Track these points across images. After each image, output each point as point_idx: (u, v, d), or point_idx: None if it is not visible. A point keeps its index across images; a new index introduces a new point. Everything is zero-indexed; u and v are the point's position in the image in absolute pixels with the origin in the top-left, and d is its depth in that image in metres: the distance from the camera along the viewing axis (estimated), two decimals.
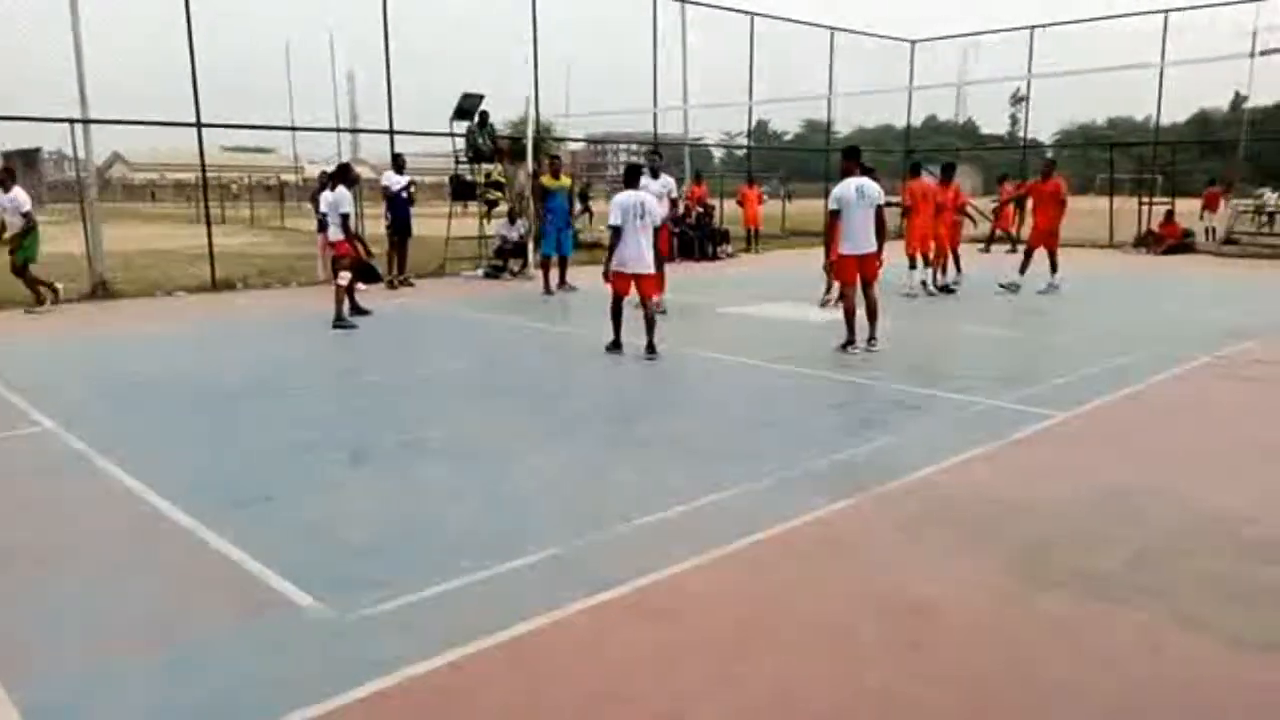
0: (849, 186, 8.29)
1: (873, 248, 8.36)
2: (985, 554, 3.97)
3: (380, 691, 2.89)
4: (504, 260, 15.63)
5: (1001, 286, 12.73)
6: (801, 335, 9.86)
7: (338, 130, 32.85)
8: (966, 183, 19.76)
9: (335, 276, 10.31)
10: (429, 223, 16.76)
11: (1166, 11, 20.43)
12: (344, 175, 10.53)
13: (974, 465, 5.23)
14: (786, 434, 5.93)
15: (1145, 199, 21.44)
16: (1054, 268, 12.74)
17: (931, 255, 12.73)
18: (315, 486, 4.95)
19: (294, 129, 21.95)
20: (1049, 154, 31.49)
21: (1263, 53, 9.81)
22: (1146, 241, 20.15)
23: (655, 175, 11.27)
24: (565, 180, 13.65)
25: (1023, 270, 12.72)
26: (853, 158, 8.54)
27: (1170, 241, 19.62)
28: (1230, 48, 18.25)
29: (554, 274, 13.37)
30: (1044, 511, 4.50)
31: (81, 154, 12.93)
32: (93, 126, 12.73)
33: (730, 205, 22.51)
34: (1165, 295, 13.13)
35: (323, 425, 6.22)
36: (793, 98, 23.69)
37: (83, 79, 12.35)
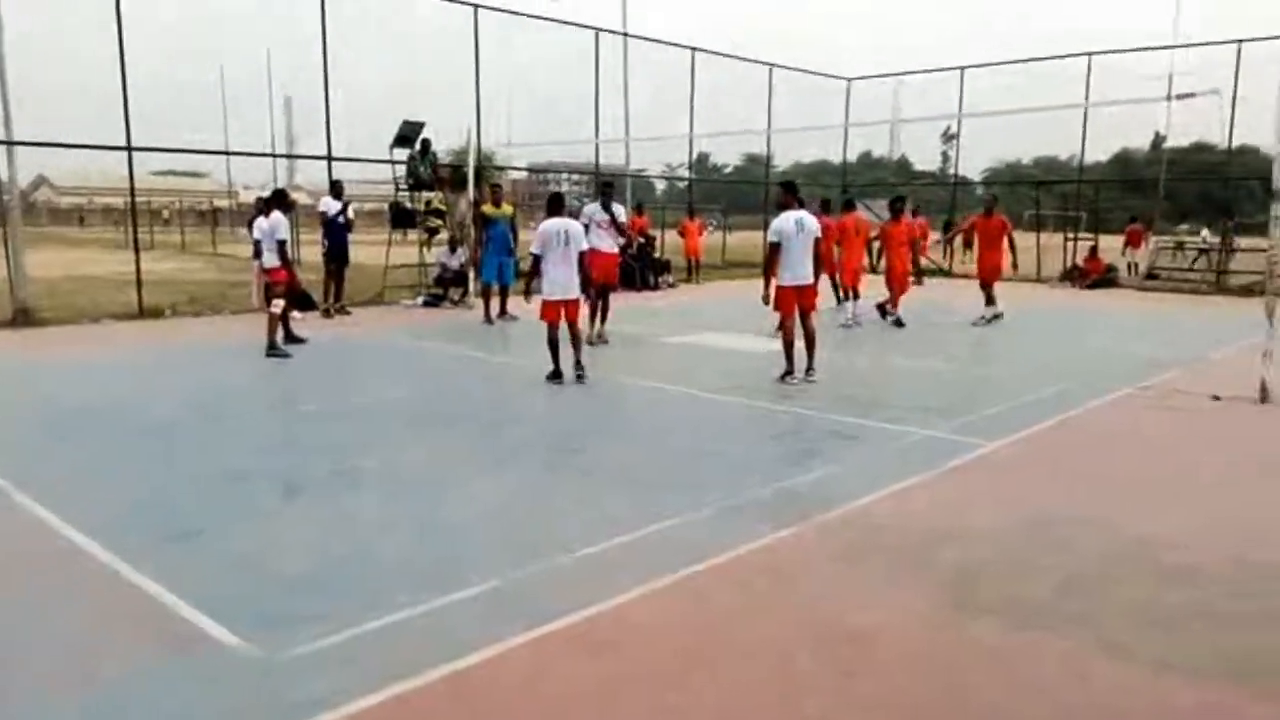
0: (788, 219, 8.42)
1: (810, 279, 8.52)
2: (920, 582, 4.04)
3: None
4: (444, 289, 15.50)
5: (984, 320, 13.13)
6: (742, 365, 9.95)
7: (273, 155, 32.34)
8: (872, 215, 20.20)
9: (269, 304, 10.11)
10: (367, 250, 16.54)
11: (1090, 54, 21.34)
12: (280, 201, 10.40)
13: (909, 494, 5.33)
14: (727, 463, 5.96)
15: (1070, 235, 22.24)
16: (989, 301, 13.31)
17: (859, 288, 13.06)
18: (246, 518, 4.82)
19: (228, 153, 21.50)
20: (980, 190, 32.47)
21: (1179, 96, 10.29)
22: (1072, 276, 20.85)
23: (607, 207, 11.27)
24: (507, 208, 13.62)
25: (990, 302, 13.25)
26: (791, 191, 8.72)
27: (1094, 276, 20.34)
28: (1149, 91, 19.05)
29: (495, 303, 13.32)
30: (976, 539, 4.60)
31: (4, 176, 12.52)
32: (17, 148, 12.35)
33: (671, 236, 22.74)
34: (1090, 328, 13.56)
35: (255, 455, 6.07)
36: (732, 131, 24.04)
37: (6, 99, 12.00)
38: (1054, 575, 4.14)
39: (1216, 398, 7.93)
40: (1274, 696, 3.11)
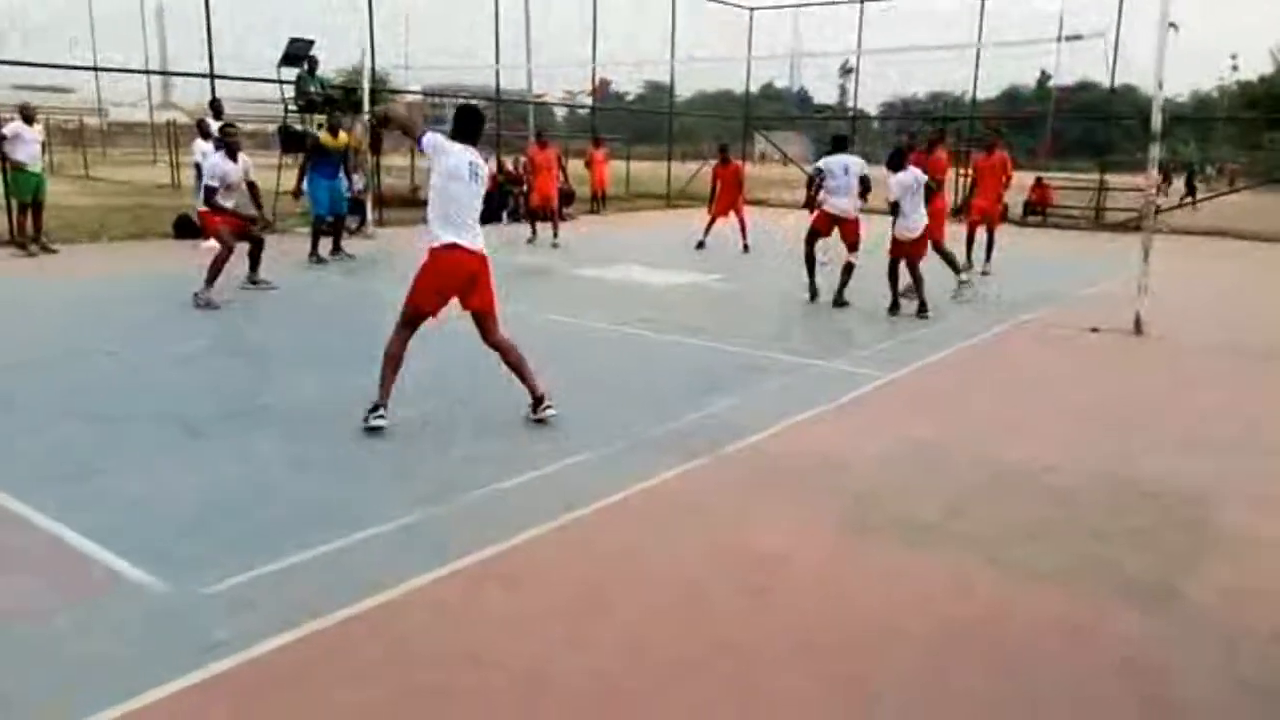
0: (838, 159, 9.48)
1: (850, 214, 9.43)
2: (819, 508, 4.25)
3: (229, 668, 2.81)
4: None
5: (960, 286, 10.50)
6: (653, 298, 10.04)
7: (147, 72, 30.34)
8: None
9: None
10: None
11: None
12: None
13: (807, 426, 5.54)
14: (637, 398, 6.06)
15: (962, 171, 22.90)
16: (989, 253, 12.06)
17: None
18: (144, 460, 4.68)
19: (97, 69, 20.04)
20: (876, 125, 32.94)
21: (1068, 38, 10.64)
22: (963, 209, 21.51)
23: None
24: (344, 138, 12.34)
25: (969, 256, 11.81)
26: (841, 146, 9.80)
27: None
28: (1040, 31, 19.68)
29: (327, 241, 12.12)
30: (869, 467, 4.84)
31: None
32: None
33: (575, 166, 22.44)
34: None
35: (152, 396, 5.86)
36: (634, 62, 23.78)
37: None
38: (940, 498, 4.41)
39: (1095, 330, 8.42)
40: (1138, 603, 3.42)
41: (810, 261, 9.74)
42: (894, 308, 9.16)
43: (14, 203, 11.77)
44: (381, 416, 5.09)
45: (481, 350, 5.37)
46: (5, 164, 11.62)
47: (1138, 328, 8.34)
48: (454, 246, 5.02)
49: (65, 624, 3.07)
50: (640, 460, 4.77)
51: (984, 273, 12.00)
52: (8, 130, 11.54)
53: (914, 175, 9.01)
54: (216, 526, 3.88)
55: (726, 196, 14.55)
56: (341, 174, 12.21)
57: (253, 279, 9.52)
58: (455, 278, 5.08)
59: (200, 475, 4.47)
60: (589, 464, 4.73)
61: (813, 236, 9.71)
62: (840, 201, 9.45)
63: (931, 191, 9.62)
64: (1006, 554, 3.80)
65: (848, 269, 9.45)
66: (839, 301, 9.41)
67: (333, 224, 12.19)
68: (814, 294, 9.69)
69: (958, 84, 27.65)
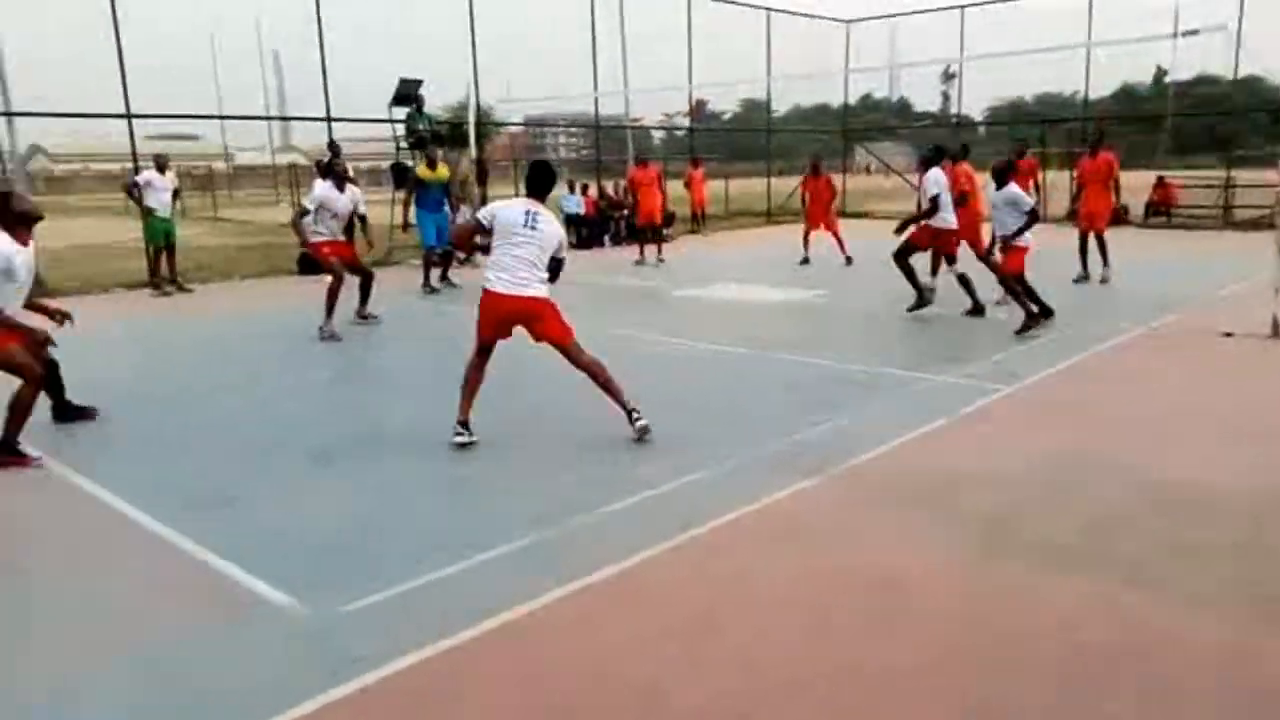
0: (940, 175, 9.41)
1: (951, 225, 9.32)
2: (946, 527, 4.13)
3: (370, 685, 2.92)
4: (451, 248, 15.46)
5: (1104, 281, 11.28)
6: (754, 317, 10.01)
7: (268, 118, 32.02)
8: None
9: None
10: (371, 210, 16.47)
11: None
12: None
13: (928, 441, 5.40)
14: (746, 416, 6.04)
15: (1072, 175, 22.01)
16: (1105, 258, 11.57)
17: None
18: (278, 485, 4.92)
19: (223, 117, 21.31)
20: (981, 130, 32.04)
21: (1184, 33, 10.15)
22: (1071, 214, 20.68)
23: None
24: (443, 171, 12.72)
25: (1083, 264, 11.66)
26: (940, 155, 9.74)
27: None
28: (1153, 27, 18.80)
29: (435, 271, 12.64)
30: (998, 484, 4.68)
31: (6, 147, 12.47)
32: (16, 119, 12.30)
33: (674, 187, 22.59)
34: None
35: (282, 425, 6.16)
36: (730, 82, 23.84)
37: (3, 71, 11.90)
38: (1075, 516, 4.23)
39: (1229, 334, 7.97)
40: None
41: (909, 272, 9.53)
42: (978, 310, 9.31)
43: (151, 247, 12.57)
44: (461, 434, 5.41)
45: (580, 376, 5.49)
46: (141, 210, 12.43)
47: (1275, 331, 7.85)
48: (491, 293, 5.46)
49: (217, 644, 3.25)
50: (751, 480, 4.74)
51: (1103, 279, 11.52)
52: (141, 178, 12.37)
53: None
54: (348, 549, 4.04)
55: (816, 208, 14.53)
56: (446, 206, 12.57)
57: (361, 314, 9.65)
58: (496, 316, 5.49)
59: (330, 500, 4.67)
60: (700, 484, 4.73)
61: (910, 251, 9.52)
62: (947, 215, 9.34)
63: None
64: (1150, 575, 3.62)
65: (963, 279, 9.30)
66: (977, 309, 9.33)
67: (442, 255, 12.59)
68: (922, 296, 9.52)
69: (1068, 84, 26.70)
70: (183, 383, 7.39)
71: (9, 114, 12.06)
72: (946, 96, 35.39)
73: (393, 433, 5.83)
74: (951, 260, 9.43)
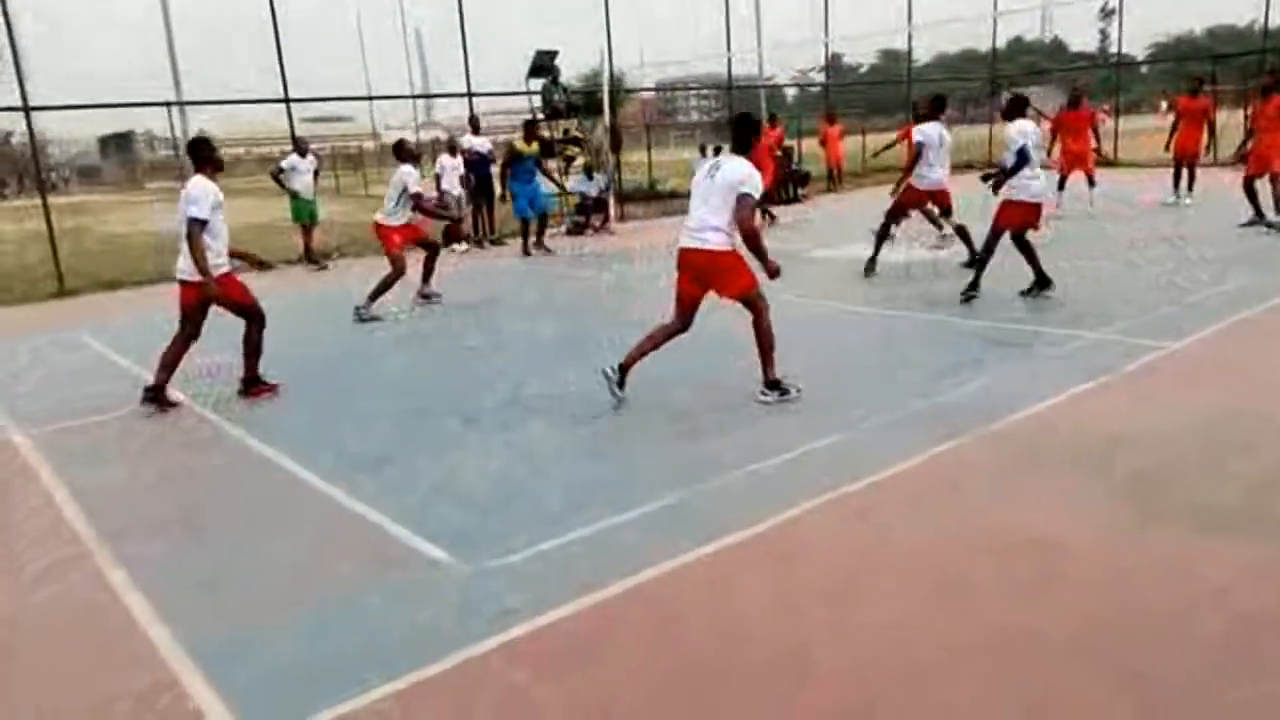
0: (936, 128, 9.03)
1: (943, 184, 9.16)
2: (1097, 490, 3.97)
3: (521, 636, 3.09)
4: (586, 216, 15.74)
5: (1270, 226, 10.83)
6: (891, 277, 9.75)
7: (413, 97, 33.24)
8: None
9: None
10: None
11: None
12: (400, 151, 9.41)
13: (1081, 401, 5.18)
14: (886, 377, 5.94)
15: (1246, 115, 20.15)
16: (1190, 184, 13.35)
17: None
18: (430, 448, 5.20)
19: (371, 98, 22.35)
20: (1144, 69, 29.80)
21: None
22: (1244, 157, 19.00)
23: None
24: (535, 146, 13.19)
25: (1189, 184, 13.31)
26: (941, 108, 9.37)
27: None
28: None
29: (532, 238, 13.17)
30: (1155, 445, 4.45)
31: (179, 133, 13.46)
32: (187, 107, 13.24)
33: (809, 144, 22.13)
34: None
35: (430, 390, 6.49)
36: (867, 32, 23.02)
37: (175, 62, 12.85)
38: (1239, 479, 3.99)
39: None
40: None
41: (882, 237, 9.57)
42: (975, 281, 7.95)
43: (299, 226, 13.40)
44: (611, 374, 5.54)
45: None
46: (288, 193, 13.21)
47: None
48: (681, 248, 5.47)
49: (380, 596, 3.50)
50: (896, 440, 4.68)
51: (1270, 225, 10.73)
52: (286, 163, 13.16)
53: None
54: (499, 507, 4.24)
55: (1080, 145, 13.42)
56: (539, 176, 13.16)
57: (423, 292, 9.64)
58: (682, 271, 5.52)
59: (478, 461, 4.90)
60: (841, 445, 4.70)
61: (898, 214, 9.41)
62: (937, 174, 9.11)
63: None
64: None
65: (961, 231, 9.26)
66: (975, 262, 8.16)
67: (538, 222, 13.22)
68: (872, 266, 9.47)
69: (1245, 13, 24.44)
70: (334, 351, 7.86)
71: (181, 103, 13.00)
72: (1105, 35, 33.10)
73: (532, 397, 6.02)
74: (948, 213, 9.41)
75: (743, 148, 5.36)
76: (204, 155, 6.12)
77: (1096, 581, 3.26)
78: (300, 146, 13.32)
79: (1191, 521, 3.64)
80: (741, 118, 5.51)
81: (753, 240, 5.30)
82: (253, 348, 6.33)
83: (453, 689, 2.86)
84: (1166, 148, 13.58)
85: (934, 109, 9.34)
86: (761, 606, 3.23)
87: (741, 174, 5.20)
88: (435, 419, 5.69)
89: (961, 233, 9.33)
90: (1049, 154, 12.75)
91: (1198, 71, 19.85)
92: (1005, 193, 7.66)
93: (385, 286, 9.01)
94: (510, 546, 3.75)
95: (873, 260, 9.48)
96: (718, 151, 19.25)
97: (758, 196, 5.30)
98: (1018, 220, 7.67)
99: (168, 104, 13.01)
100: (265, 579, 3.71)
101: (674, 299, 5.61)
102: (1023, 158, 7.49)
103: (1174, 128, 13.45)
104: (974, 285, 7.84)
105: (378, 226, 9.21)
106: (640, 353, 5.60)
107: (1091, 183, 13.31)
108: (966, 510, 3.91)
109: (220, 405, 6.21)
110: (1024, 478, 4.20)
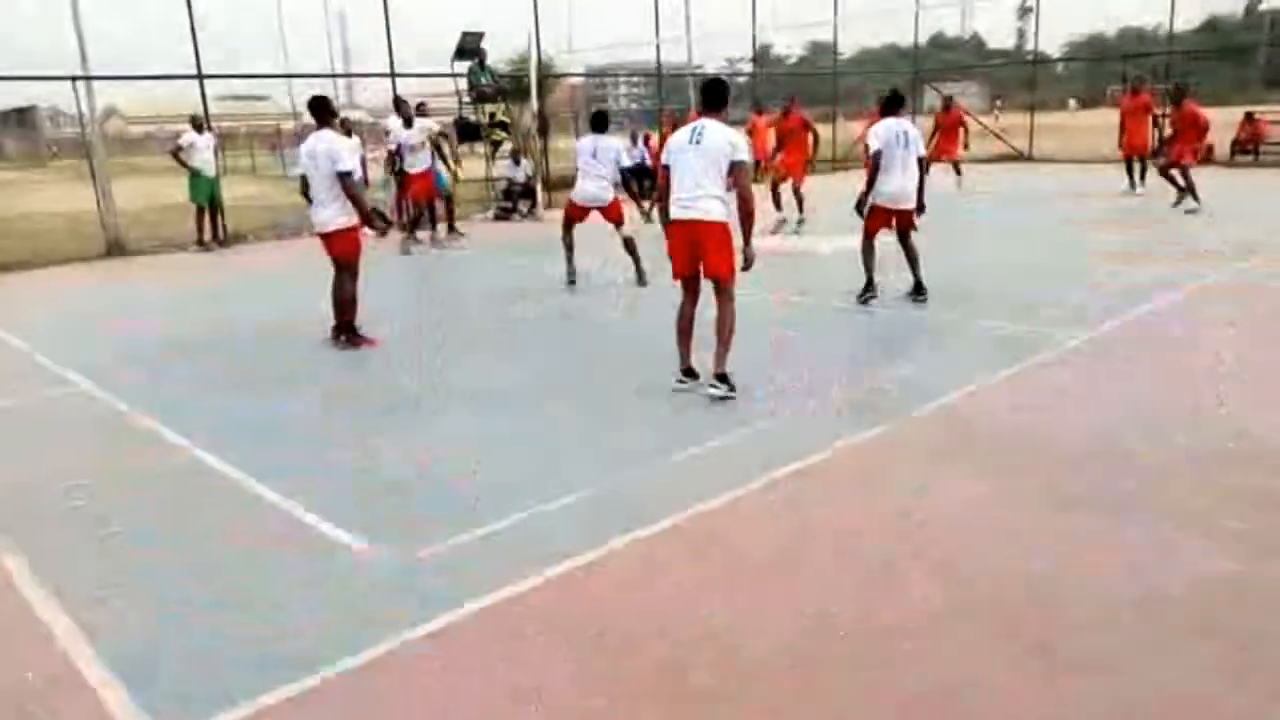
0: (892, 128, 7.44)
1: (910, 202, 7.51)
2: (1013, 476, 4.10)
3: (450, 624, 3.06)
4: (513, 202, 15.58)
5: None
6: (819, 267, 9.90)
7: (333, 76, 32.40)
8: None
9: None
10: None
11: None
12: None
13: (998, 389, 5.33)
14: (811, 365, 6.01)
15: (1162, 111, 21.01)
16: (1143, 175, 14.38)
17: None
18: (350, 435, 5.09)
19: (288, 76, 21.67)
20: (1060, 69, 30.80)
21: None
22: (1160, 152, 19.83)
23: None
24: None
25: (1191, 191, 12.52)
26: (896, 105, 7.77)
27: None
28: None
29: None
30: (1066, 432, 4.61)
31: (85, 110, 12.84)
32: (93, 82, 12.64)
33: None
34: (1175, 212, 12.95)
35: (353, 376, 6.34)
36: (797, 24, 23.27)
37: (81, 35, 12.21)
38: (1147, 466, 4.16)
39: None
40: None
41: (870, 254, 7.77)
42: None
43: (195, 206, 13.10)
44: (683, 382, 5.48)
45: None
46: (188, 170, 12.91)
47: None
48: (672, 221, 5.27)
49: (293, 586, 3.41)
50: (819, 428, 4.75)
51: (1185, 208, 12.23)
52: (184, 140, 12.89)
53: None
54: (420, 497, 4.18)
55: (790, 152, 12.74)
56: (438, 163, 12.51)
57: (450, 229, 12.20)
58: (678, 243, 5.32)
59: (398, 451, 4.81)
60: (768, 433, 4.75)
61: (872, 235, 7.70)
62: (895, 183, 7.42)
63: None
64: (1220, 525, 3.55)
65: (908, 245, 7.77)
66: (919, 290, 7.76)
67: (445, 205, 13.06)
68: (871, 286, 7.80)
69: (1151, 17, 25.47)
70: (232, 330, 7.63)
71: (87, 77, 12.39)
72: (1022, 33, 34.09)
73: (457, 387, 5.94)
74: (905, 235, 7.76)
75: (714, 108, 5.25)
76: (331, 110, 6.89)
77: (1013, 562, 3.36)
78: (197, 122, 13.04)
79: (1100, 505, 3.78)
80: (714, 81, 5.36)
81: (749, 210, 5.14)
82: (348, 299, 6.89)
83: (373, 681, 2.80)
84: (1120, 146, 14.65)
85: (888, 106, 7.85)
86: (684, 592, 3.25)
87: (728, 139, 5.12)
88: (352, 405, 5.57)
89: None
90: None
91: (1113, 70, 20.60)
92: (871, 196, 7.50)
93: (415, 224, 11.75)
94: (434, 536, 3.69)
95: (869, 285, 7.79)
96: (647, 139, 19.31)
97: (750, 161, 5.24)
98: (876, 225, 7.56)
99: (73, 78, 12.32)
100: (171, 568, 3.58)
101: (681, 285, 5.48)
102: (875, 163, 7.32)
103: (1121, 126, 14.45)
104: (869, 287, 7.72)
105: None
106: (687, 350, 5.50)
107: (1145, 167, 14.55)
108: (886, 495, 3.99)
109: (128, 391, 5.97)
110: (942, 464, 4.31)
